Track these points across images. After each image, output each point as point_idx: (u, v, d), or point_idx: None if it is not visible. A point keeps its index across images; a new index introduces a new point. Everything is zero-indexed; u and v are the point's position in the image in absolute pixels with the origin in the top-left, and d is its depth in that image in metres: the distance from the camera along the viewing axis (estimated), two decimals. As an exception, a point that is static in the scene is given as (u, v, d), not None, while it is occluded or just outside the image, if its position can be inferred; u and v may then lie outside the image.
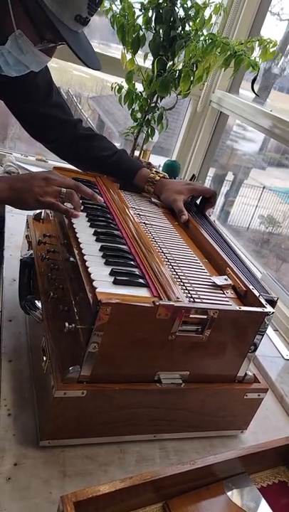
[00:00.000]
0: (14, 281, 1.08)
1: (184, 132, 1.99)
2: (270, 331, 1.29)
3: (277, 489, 0.71)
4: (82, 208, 0.91)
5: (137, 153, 1.60)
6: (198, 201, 1.18)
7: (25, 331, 0.96)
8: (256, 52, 1.35)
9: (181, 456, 0.80)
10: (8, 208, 1.54)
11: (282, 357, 1.19)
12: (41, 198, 0.84)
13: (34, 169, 1.82)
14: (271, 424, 0.96)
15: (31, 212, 1.15)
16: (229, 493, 0.67)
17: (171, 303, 0.69)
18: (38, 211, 1.14)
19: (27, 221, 1.14)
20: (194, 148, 1.99)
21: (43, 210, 1.12)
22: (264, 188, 5.85)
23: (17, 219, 1.41)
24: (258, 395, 0.84)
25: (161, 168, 1.82)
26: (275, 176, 5.69)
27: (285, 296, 1.43)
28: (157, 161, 1.98)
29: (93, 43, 0.99)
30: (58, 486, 0.68)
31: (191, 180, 1.80)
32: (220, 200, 3.96)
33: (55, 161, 1.84)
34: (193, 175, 1.83)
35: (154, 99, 1.49)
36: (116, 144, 1.23)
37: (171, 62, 1.45)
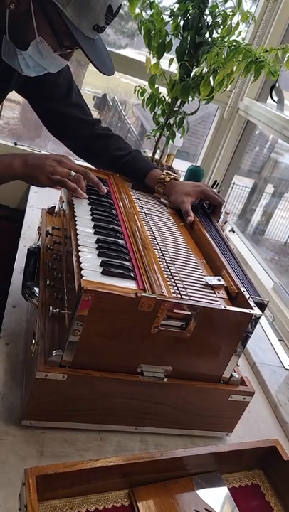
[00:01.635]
0: (23, 269, 1.13)
1: (210, 138, 2.00)
2: (274, 340, 1.27)
3: (249, 492, 0.71)
4: (87, 196, 0.98)
5: (157, 156, 1.63)
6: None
7: (26, 317, 1.00)
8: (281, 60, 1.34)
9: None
10: (29, 201, 1.60)
11: (284, 367, 1.17)
12: (52, 175, 0.93)
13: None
14: (260, 431, 0.95)
15: (46, 206, 1.20)
16: (198, 490, 0.67)
17: (154, 296, 0.70)
18: (52, 205, 1.19)
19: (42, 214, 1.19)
20: (219, 155, 1.99)
21: (57, 205, 1.16)
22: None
23: (37, 213, 1.46)
24: (244, 398, 0.83)
25: (183, 174, 1.83)
26: None
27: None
28: (183, 166, 2.00)
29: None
30: (34, 464, 0.70)
31: (212, 186, 1.81)
32: (258, 212, 3.91)
33: (80, 161, 1.90)
34: (216, 181, 1.84)
35: (177, 103, 1.51)
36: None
37: (196, 68, 1.47)
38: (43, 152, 1.96)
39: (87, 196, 0.98)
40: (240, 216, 3.23)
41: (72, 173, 0.95)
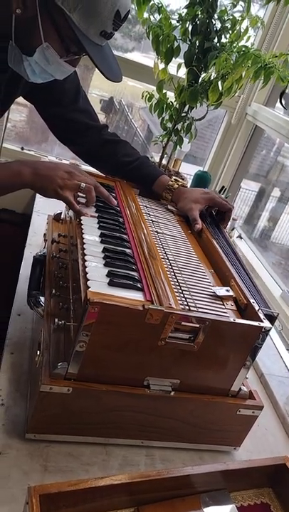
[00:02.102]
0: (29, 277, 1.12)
1: (217, 143, 1.99)
2: (283, 350, 1.25)
3: (258, 510, 0.69)
4: (95, 210, 0.96)
5: (164, 161, 1.61)
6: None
7: (31, 326, 0.99)
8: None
9: (167, 466, 0.79)
10: (35, 207, 1.59)
11: (292, 378, 1.15)
12: (60, 190, 0.91)
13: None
14: (269, 445, 0.93)
15: (53, 213, 1.19)
16: (205, 508, 0.65)
17: (161, 308, 0.69)
18: (58, 211, 1.18)
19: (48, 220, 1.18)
20: (227, 160, 1.98)
21: (63, 212, 1.15)
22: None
23: (43, 219, 1.45)
24: (253, 412, 0.81)
25: (191, 179, 1.82)
26: None
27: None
28: (190, 170, 1.98)
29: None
30: (37, 480, 0.69)
31: (220, 191, 1.79)
32: (264, 216, 3.88)
33: (87, 165, 1.89)
34: (223, 186, 1.83)
35: (185, 108, 1.50)
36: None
37: (204, 74, 1.46)
38: (49, 158, 1.95)
39: (96, 215, 0.95)
40: (246, 220, 3.21)
41: (83, 185, 0.93)
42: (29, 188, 0.94)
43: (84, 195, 0.95)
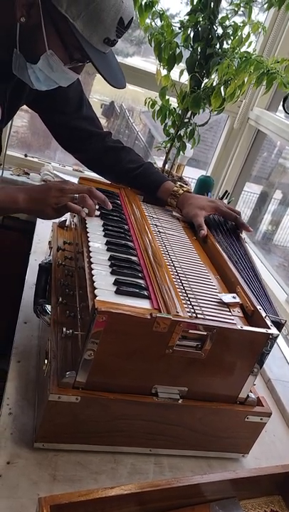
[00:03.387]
0: (35, 285, 1.12)
1: (220, 148, 1.99)
2: (289, 355, 1.25)
3: (268, 519, 0.69)
4: (98, 213, 0.97)
5: (167, 166, 1.62)
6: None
7: (37, 334, 0.99)
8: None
9: (175, 474, 0.79)
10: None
11: (299, 383, 1.14)
12: (57, 206, 0.92)
13: (70, 179, 1.88)
14: (277, 451, 0.92)
15: (57, 220, 1.19)
16: (215, 517, 0.65)
17: (169, 316, 0.69)
18: (63, 218, 1.18)
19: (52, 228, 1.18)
20: (230, 164, 1.98)
21: (68, 218, 1.16)
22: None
23: (47, 225, 1.45)
24: (261, 419, 0.81)
25: (193, 183, 1.82)
26: None
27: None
28: (192, 173, 1.98)
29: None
30: (46, 489, 0.69)
31: (223, 196, 1.79)
32: (266, 219, 3.87)
33: (91, 172, 1.89)
34: (226, 191, 1.83)
35: (188, 114, 1.50)
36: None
37: (206, 80, 1.46)
38: (52, 164, 1.96)
39: (99, 223, 0.95)
40: (249, 223, 3.21)
41: (76, 195, 0.93)
42: (28, 214, 0.98)
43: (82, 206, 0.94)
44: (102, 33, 0.86)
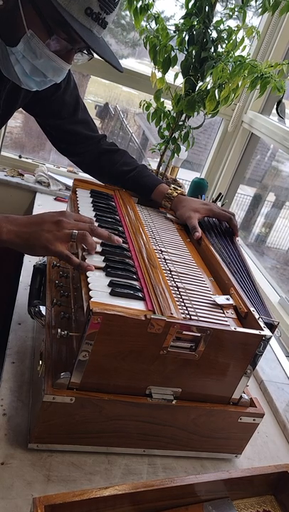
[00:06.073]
0: (29, 286, 1.12)
1: (214, 151, 2.00)
2: (282, 356, 1.26)
3: (260, 518, 0.69)
4: (100, 249, 0.85)
5: (162, 169, 1.62)
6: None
7: (32, 335, 0.99)
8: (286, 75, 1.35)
9: (169, 474, 0.80)
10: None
11: (292, 384, 1.16)
12: (50, 245, 0.78)
13: (64, 180, 1.89)
14: (270, 452, 0.93)
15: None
16: (208, 517, 0.66)
17: (163, 318, 0.69)
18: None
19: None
20: (224, 167, 1.99)
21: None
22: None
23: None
24: (253, 420, 0.82)
25: (187, 185, 1.83)
26: None
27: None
28: (187, 175, 1.99)
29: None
30: (41, 490, 0.70)
31: (217, 198, 1.80)
32: (259, 221, 3.90)
33: (86, 174, 1.90)
34: (220, 193, 1.84)
35: (182, 117, 1.51)
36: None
37: (201, 83, 1.48)
38: (47, 165, 1.96)
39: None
40: (242, 225, 3.24)
41: (75, 232, 0.79)
42: (14, 248, 0.80)
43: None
44: (81, 2, 0.78)
